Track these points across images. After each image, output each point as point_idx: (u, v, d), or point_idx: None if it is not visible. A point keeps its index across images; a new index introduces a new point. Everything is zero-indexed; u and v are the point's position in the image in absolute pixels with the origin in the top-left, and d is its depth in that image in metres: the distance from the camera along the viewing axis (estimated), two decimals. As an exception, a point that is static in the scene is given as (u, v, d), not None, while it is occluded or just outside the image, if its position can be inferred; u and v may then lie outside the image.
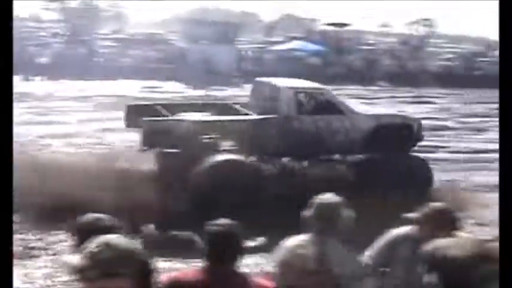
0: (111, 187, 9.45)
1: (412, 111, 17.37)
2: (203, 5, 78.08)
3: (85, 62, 33.07)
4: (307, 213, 3.77)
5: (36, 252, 8.67)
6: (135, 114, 11.71)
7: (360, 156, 11.83)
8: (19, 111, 16.44)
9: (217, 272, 3.36)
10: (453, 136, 13.21)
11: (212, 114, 11.86)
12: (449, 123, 21.56)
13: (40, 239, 9.11)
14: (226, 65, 35.15)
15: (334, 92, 12.79)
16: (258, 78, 13.04)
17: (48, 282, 7.60)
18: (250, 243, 6.96)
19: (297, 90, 11.75)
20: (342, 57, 39.62)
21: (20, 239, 8.74)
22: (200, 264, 3.46)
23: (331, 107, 11.65)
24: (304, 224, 3.76)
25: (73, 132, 16.74)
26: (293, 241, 3.75)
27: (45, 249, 8.78)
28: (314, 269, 3.55)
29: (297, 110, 11.51)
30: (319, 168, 11.35)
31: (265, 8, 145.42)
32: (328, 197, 3.80)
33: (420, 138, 12.27)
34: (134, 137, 11.37)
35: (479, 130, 21.02)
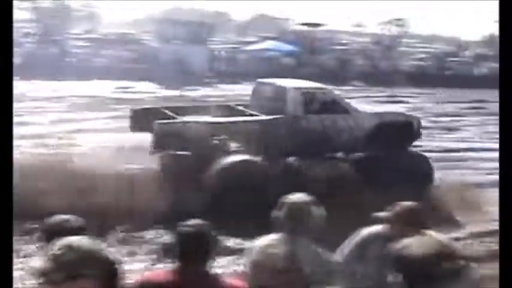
0: (87, 189, 9.37)
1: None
2: (177, 5, 78.00)
3: (57, 62, 32.70)
4: (278, 213, 3.78)
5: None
6: (141, 118, 11.76)
7: (362, 154, 12.08)
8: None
9: (189, 272, 3.35)
10: (425, 135, 13.34)
11: (218, 116, 11.88)
12: (422, 123, 21.69)
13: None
14: (200, 65, 35.09)
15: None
16: (259, 79, 13.16)
17: (19, 285, 7.51)
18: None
19: (303, 91, 11.90)
20: (315, 57, 39.76)
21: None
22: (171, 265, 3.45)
23: (336, 106, 11.90)
24: (274, 224, 3.77)
25: (45, 132, 16.52)
26: (264, 241, 3.76)
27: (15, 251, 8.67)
28: (285, 269, 3.56)
29: (303, 109, 11.67)
30: (324, 166, 11.50)
31: (239, 8, 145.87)
32: (299, 196, 3.82)
33: (419, 135, 12.65)
34: (107, 137, 11.24)
35: (451, 129, 21.29)
